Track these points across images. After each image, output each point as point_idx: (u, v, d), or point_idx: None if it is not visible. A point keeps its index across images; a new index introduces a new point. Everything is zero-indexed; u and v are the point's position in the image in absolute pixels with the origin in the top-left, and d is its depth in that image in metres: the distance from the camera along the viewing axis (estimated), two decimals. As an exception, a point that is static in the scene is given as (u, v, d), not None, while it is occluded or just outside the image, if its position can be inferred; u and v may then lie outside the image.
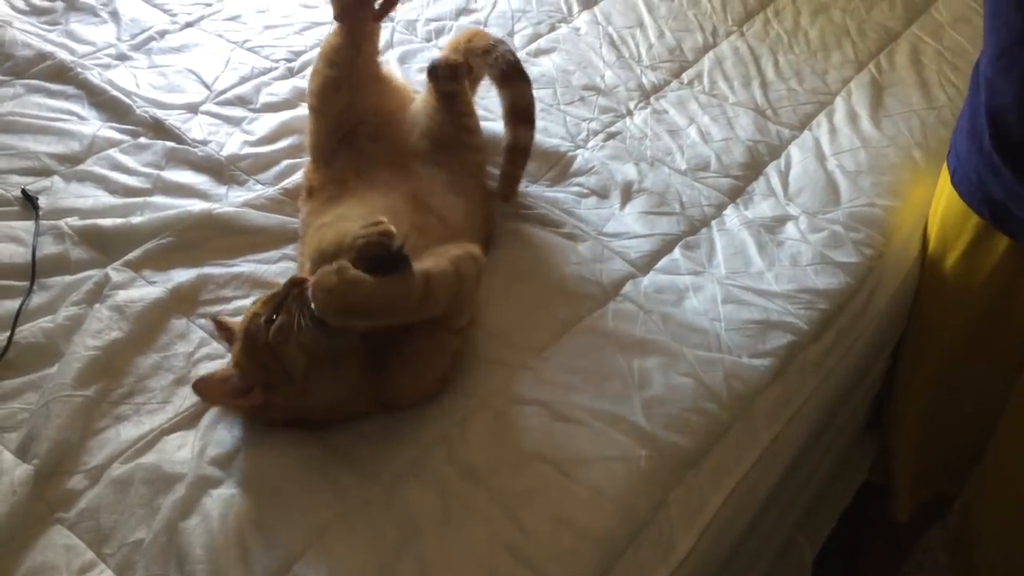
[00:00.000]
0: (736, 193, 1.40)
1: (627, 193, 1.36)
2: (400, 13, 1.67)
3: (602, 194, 1.36)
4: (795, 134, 1.54)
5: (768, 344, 1.14)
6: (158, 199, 1.20)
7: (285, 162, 1.31)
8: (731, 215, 1.35)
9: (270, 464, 0.93)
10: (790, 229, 1.33)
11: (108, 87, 1.37)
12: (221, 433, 0.95)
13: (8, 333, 1.00)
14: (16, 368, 0.98)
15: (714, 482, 1.03)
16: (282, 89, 1.43)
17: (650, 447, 0.99)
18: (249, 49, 1.52)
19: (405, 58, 1.57)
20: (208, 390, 0.92)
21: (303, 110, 1.34)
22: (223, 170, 1.27)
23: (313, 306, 0.86)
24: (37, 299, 1.05)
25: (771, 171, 1.45)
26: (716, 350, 1.12)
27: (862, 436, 1.58)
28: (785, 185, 1.43)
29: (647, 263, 1.25)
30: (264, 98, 1.40)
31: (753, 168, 1.45)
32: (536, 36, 1.68)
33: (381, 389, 0.95)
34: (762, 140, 1.51)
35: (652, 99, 1.57)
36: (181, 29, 1.55)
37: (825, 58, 1.74)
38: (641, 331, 1.13)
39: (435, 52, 1.58)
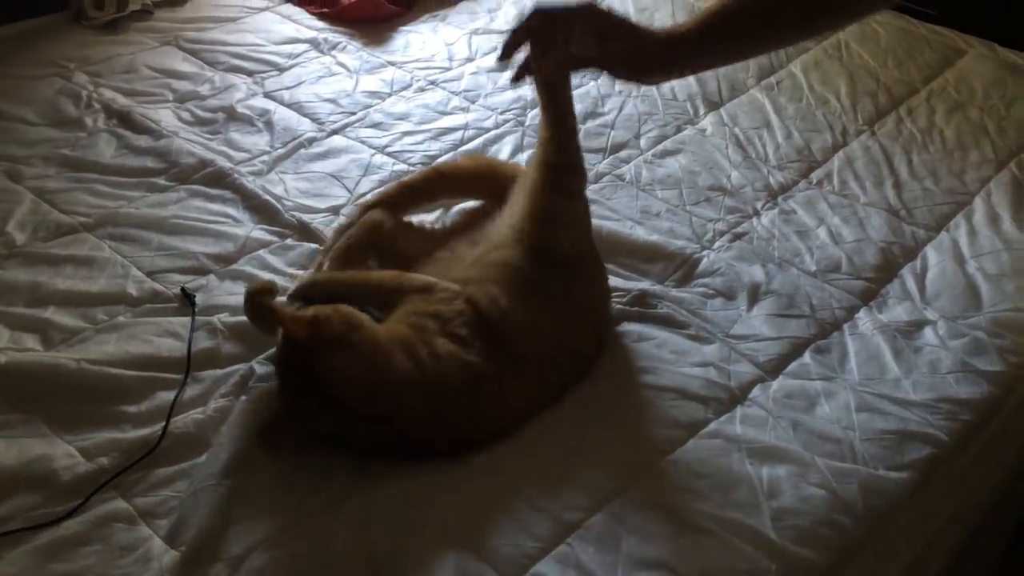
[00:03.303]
0: (869, 296, 1.37)
1: (754, 295, 1.35)
2: (529, 118, 1.74)
3: (729, 295, 1.35)
4: (931, 235, 1.50)
5: (907, 456, 1.09)
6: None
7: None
8: (864, 319, 1.32)
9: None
10: (928, 334, 1.29)
11: (260, 192, 1.47)
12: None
13: (163, 424, 1.07)
14: (169, 457, 1.04)
15: (849, 602, 0.98)
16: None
17: (779, 561, 0.96)
18: (388, 154, 1.61)
19: (534, 161, 1.62)
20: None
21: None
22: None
23: None
24: (190, 391, 1.12)
25: (906, 273, 1.41)
26: (851, 460, 1.09)
27: (1012, 554, 1.47)
28: (922, 288, 1.38)
29: (776, 367, 1.23)
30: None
31: (887, 270, 1.42)
32: (662, 138, 1.72)
33: None
34: (896, 241, 1.47)
35: (780, 199, 1.57)
36: (327, 136, 1.66)
37: (962, 157, 1.71)
38: (770, 437, 1.11)
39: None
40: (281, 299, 1.17)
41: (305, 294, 1.15)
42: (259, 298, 1.14)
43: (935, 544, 1.06)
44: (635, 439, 1.10)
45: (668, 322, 1.28)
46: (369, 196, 1.43)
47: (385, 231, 1.27)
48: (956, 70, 1.96)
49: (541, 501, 1.00)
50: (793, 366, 1.23)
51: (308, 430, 1.02)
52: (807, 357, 1.25)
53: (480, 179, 1.37)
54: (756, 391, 1.19)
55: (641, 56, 1.08)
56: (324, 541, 0.95)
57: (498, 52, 1.11)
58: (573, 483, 1.03)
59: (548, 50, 1.10)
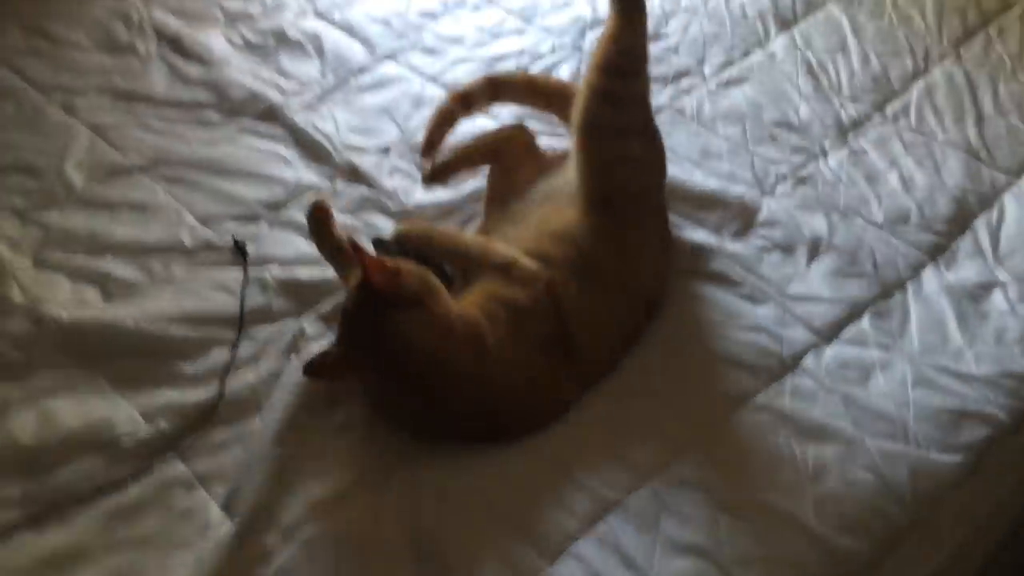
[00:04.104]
0: (938, 251, 1.31)
1: (815, 249, 1.30)
2: (587, 42, 1.66)
3: (787, 249, 1.30)
4: (1011, 181, 1.42)
5: (962, 437, 1.07)
6: (351, 247, 1.27)
7: (468, 208, 1.35)
8: (930, 278, 1.27)
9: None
10: (997, 299, 1.23)
11: (311, 130, 1.45)
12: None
13: (219, 387, 1.10)
14: (225, 420, 1.07)
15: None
16: (467, 129, 1.45)
17: (819, 550, 0.96)
18: (440, 84, 1.56)
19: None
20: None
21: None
22: (410, 218, 1.33)
23: None
24: (243, 350, 1.15)
25: (980, 225, 1.34)
26: (902, 441, 1.06)
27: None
28: (995, 243, 1.32)
29: (831, 331, 1.20)
30: (450, 139, 1.43)
31: (960, 222, 1.35)
32: (728, 63, 1.63)
33: None
34: (972, 188, 1.40)
35: (850, 137, 1.49)
36: (379, 62, 1.61)
37: (1056, 87, 1.58)
38: (820, 413, 1.09)
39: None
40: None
41: (397, 241, 1.16)
42: (324, 227, 1.17)
43: (983, 531, 1.05)
44: (681, 411, 1.09)
45: (722, 280, 1.25)
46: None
47: (517, 146, 1.29)
48: (1058, -19, 1.79)
49: (584, 478, 1.01)
50: (850, 331, 1.20)
51: (356, 383, 1.05)
52: (865, 322, 1.21)
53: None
54: (808, 359, 1.16)
55: None
56: (372, 515, 0.98)
57: None
58: (616, 459, 1.04)
59: None
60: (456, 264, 1.14)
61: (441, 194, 1.36)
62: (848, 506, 0.99)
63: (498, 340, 1.02)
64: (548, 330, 1.07)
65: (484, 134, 1.33)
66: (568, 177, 1.21)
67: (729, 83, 1.59)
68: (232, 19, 1.70)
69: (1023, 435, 1.10)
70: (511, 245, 1.13)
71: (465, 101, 1.29)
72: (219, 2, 1.73)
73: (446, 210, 1.35)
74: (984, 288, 1.25)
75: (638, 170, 1.21)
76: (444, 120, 1.29)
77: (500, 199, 1.28)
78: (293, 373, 1.09)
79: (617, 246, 1.14)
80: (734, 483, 1.02)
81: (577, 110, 1.18)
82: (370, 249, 1.19)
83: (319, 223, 1.19)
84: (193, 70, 1.57)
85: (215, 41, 1.63)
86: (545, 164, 1.30)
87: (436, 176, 1.27)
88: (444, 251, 1.14)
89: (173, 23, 1.67)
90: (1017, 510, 1.11)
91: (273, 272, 1.23)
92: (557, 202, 1.19)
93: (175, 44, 1.62)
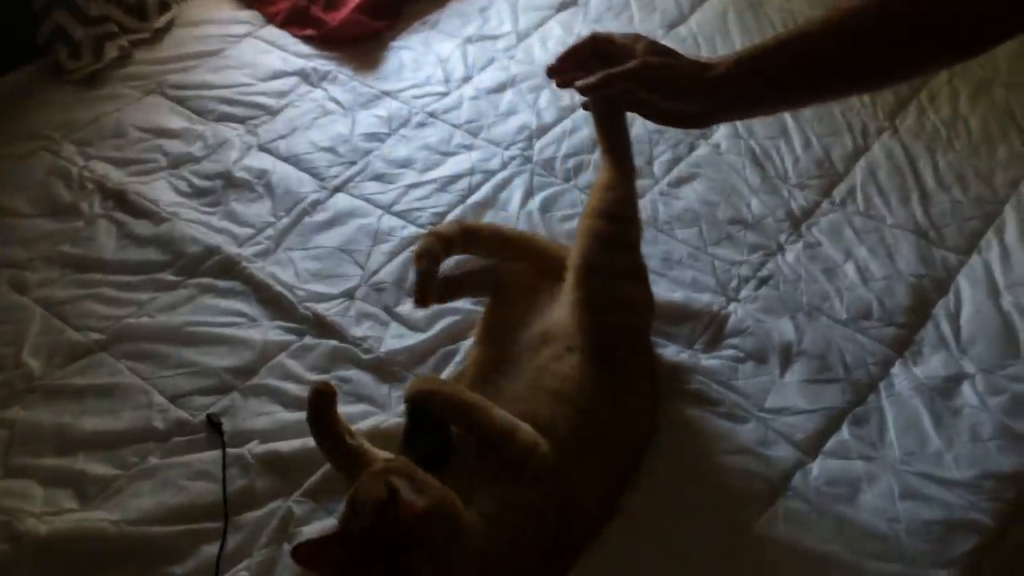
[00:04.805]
0: (903, 345, 1.34)
1: (786, 356, 1.32)
2: (536, 152, 1.67)
3: (760, 358, 1.32)
4: (962, 260, 1.46)
5: (954, 549, 1.09)
6: (328, 409, 1.26)
7: (441, 350, 1.34)
8: (900, 375, 1.30)
9: None
10: (967, 392, 1.27)
11: (271, 281, 1.43)
12: None
13: (212, 588, 1.07)
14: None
15: None
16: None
17: None
18: (396, 214, 1.56)
19: (547, 206, 1.57)
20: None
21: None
22: (384, 368, 1.32)
23: None
24: (232, 540, 1.13)
25: (940, 313, 1.38)
26: (896, 560, 1.08)
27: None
28: (956, 331, 1.35)
29: (814, 445, 1.22)
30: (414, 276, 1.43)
31: (920, 312, 1.38)
32: (676, 160, 1.65)
33: None
34: (927, 273, 1.43)
35: (803, 228, 1.52)
36: (330, 195, 1.60)
37: (990, 154, 1.64)
38: (815, 541, 1.11)
39: (576, 194, 1.58)
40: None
41: (421, 401, 1.10)
42: (328, 421, 1.11)
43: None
44: (680, 552, 1.10)
45: (702, 400, 1.27)
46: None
47: (522, 279, 1.30)
48: (978, 41, 1.85)
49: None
50: (832, 444, 1.22)
51: None
52: (845, 432, 1.23)
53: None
54: (797, 479, 1.18)
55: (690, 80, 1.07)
56: None
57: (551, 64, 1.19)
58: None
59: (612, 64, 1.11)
60: (476, 438, 1.09)
61: (410, 339, 1.35)
62: (856, 643, 1.01)
63: (504, 548, 1.01)
64: (558, 521, 1.06)
65: (492, 264, 1.34)
66: (562, 322, 1.20)
67: (680, 182, 1.61)
68: (175, 163, 1.67)
69: (1010, 537, 1.13)
70: (512, 404, 1.11)
71: (447, 244, 1.28)
72: (159, 144, 1.71)
73: (418, 355, 1.34)
74: (953, 382, 1.28)
75: (634, 311, 1.23)
76: (432, 266, 1.25)
77: (494, 335, 1.26)
78: (288, 566, 1.08)
79: (614, 394, 1.15)
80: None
81: (577, 253, 1.21)
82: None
83: (319, 410, 1.12)
84: (142, 227, 1.54)
85: (161, 192, 1.61)
86: (539, 301, 1.28)
87: (433, 298, 1.26)
88: (467, 422, 1.09)
89: (114, 175, 1.64)
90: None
91: (253, 449, 1.21)
92: (554, 351, 1.18)
93: (119, 199, 1.59)
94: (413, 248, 1.48)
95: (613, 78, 1.10)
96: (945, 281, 1.42)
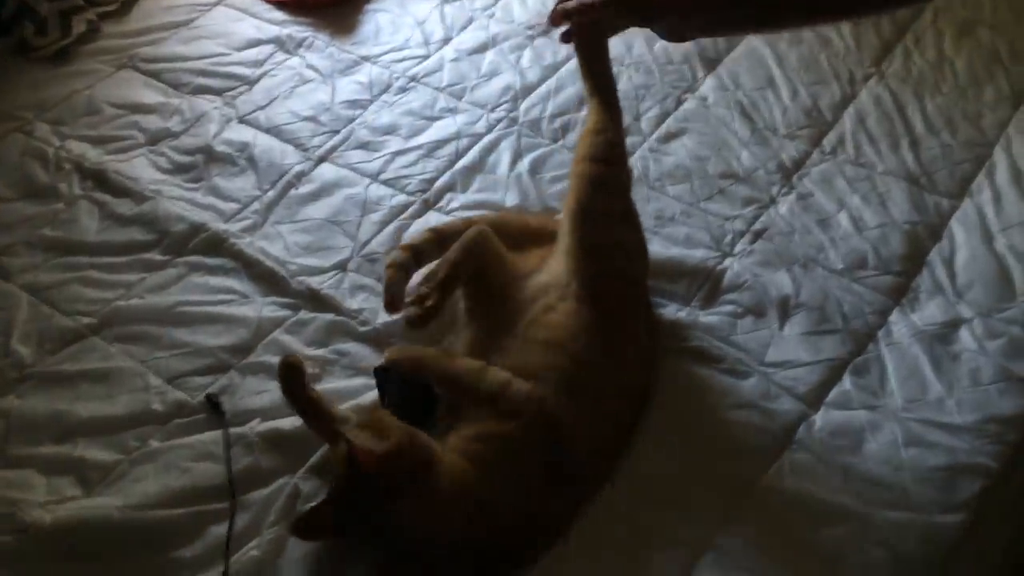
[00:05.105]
0: (900, 292, 1.34)
1: (784, 309, 1.32)
2: (522, 112, 1.64)
3: (758, 312, 1.32)
4: (955, 204, 1.46)
5: (960, 494, 1.10)
6: (327, 384, 1.25)
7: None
8: (898, 323, 1.30)
9: None
10: (965, 337, 1.27)
11: (261, 257, 1.41)
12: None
13: (224, 567, 1.06)
14: (236, 606, 1.05)
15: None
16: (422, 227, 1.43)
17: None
18: (383, 182, 1.53)
19: (536, 167, 1.55)
20: None
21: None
22: (381, 340, 1.30)
23: None
24: (240, 520, 1.12)
25: (935, 259, 1.38)
26: (905, 507, 1.09)
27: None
28: (952, 276, 1.36)
29: (817, 397, 1.22)
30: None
31: (915, 259, 1.38)
32: (664, 115, 1.63)
33: None
34: (920, 220, 1.43)
35: (795, 179, 1.51)
36: (315, 166, 1.57)
37: (977, 96, 1.63)
38: (824, 491, 1.11)
39: (565, 154, 1.55)
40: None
41: (390, 368, 1.13)
42: (300, 391, 1.13)
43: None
44: (686, 509, 1.10)
45: (703, 356, 1.26)
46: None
47: (487, 252, 1.23)
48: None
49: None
50: (834, 394, 1.22)
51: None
52: (847, 382, 1.23)
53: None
54: (801, 431, 1.18)
55: None
56: None
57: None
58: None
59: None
60: (447, 390, 1.13)
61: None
62: (870, 591, 1.02)
63: (492, 495, 1.02)
64: (543, 457, 1.06)
65: (452, 254, 1.21)
66: (555, 272, 1.20)
67: (669, 137, 1.60)
68: (153, 139, 1.63)
69: (1015, 479, 1.14)
70: (503, 358, 1.12)
71: (417, 255, 1.27)
72: (135, 121, 1.67)
73: (415, 326, 1.32)
74: (951, 327, 1.28)
75: (629, 257, 1.22)
76: (401, 277, 1.24)
77: (481, 305, 1.24)
78: (299, 545, 1.07)
79: (609, 343, 1.14)
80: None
81: (571, 199, 1.20)
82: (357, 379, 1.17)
83: (290, 383, 1.14)
84: (124, 206, 1.50)
85: (141, 169, 1.57)
86: (519, 259, 1.27)
87: (425, 322, 1.18)
88: (435, 377, 1.12)
89: (92, 154, 1.60)
90: (1020, 557, 1.15)
91: (255, 428, 1.20)
92: (546, 301, 1.17)
93: (99, 179, 1.55)
94: (404, 216, 1.47)
95: (588, 6, 1.14)
96: (938, 227, 1.42)
